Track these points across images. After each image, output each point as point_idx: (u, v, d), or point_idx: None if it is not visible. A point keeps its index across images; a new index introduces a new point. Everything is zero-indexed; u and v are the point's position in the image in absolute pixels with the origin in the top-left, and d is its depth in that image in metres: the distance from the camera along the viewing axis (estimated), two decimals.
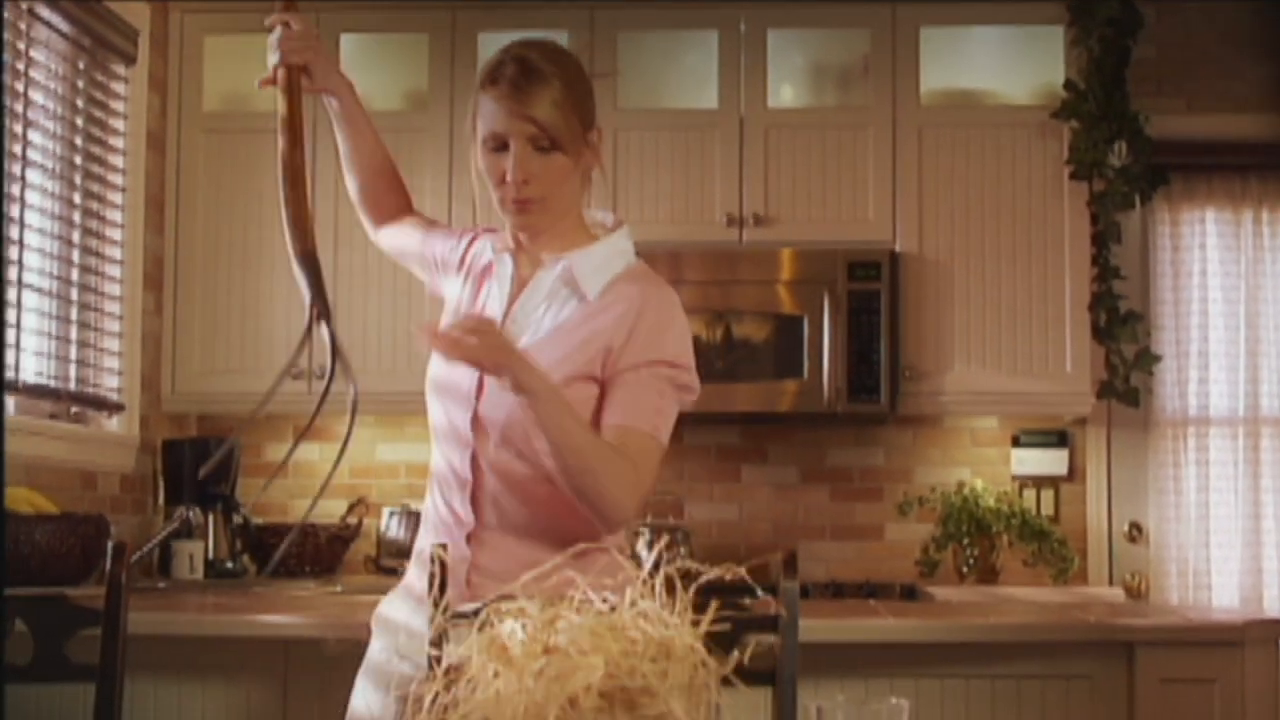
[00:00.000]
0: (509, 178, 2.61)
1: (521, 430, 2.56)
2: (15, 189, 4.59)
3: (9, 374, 4.51)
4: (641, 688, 1.66)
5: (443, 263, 2.92)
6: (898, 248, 5.60)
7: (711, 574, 1.77)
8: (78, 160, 5.07)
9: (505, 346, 2.47)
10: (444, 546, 2.33)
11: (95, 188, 5.19)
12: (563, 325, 2.67)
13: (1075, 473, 5.96)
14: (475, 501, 2.67)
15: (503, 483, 2.64)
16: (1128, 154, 5.62)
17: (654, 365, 2.63)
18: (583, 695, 1.65)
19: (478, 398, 2.65)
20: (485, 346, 2.43)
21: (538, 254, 2.73)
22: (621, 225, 2.80)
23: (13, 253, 4.56)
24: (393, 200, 3.15)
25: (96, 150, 5.19)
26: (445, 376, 2.73)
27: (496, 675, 1.70)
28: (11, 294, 4.55)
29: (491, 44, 5.65)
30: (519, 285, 2.73)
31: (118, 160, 5.35)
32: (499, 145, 2.62)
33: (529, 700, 1.66)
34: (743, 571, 1.87)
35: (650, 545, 5.49)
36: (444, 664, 1.74)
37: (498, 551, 2.64)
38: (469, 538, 2.67)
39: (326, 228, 5.64)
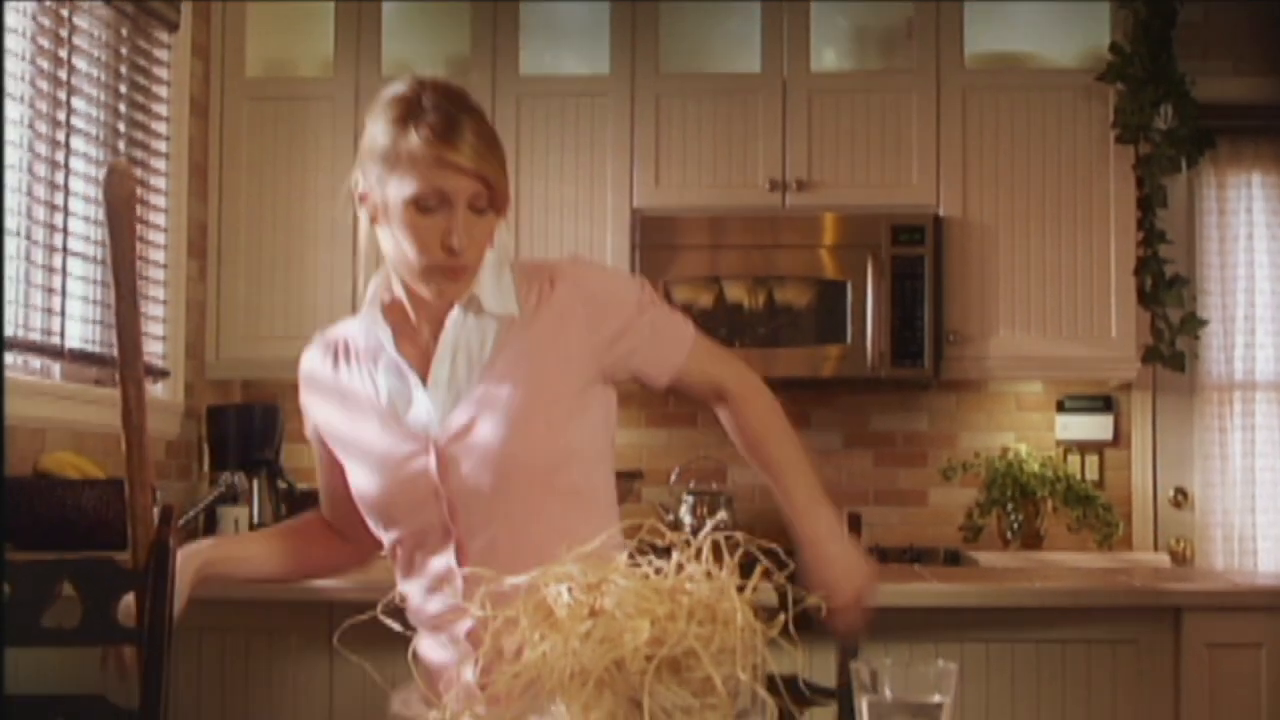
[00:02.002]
0: (453, 243, 2.36)
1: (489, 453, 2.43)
2: (60, 156, 4.61)
3: (54, 340, 4.53)
4: (687, 650, 1.66)
5: (327, 426, 2.64)
6: (941, 212, 5.57)
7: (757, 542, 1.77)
8: (121, 128, 5.08)
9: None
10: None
11: (139, 155, 5.20)
12: (510, 351, 2.48)
13: (1120, 438, 5.94)
14: (461, 549, 2.48)
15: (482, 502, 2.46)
16: (1174, 117, 5.57)
17: (642, 312, 2.55)
18: (629, 658, 1.65)
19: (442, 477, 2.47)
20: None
21: (424, 312, 2.52)
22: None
23: (58, 220, 4.58)
24: (327, 545, 2.84)
25: (140, 117, 5.20)
26: (392, 495, 2.52)
27: (543, 638, 1.70)
28: (57, 260, 4.57)
29: (533, 11, 5.67)
30: (418, 347, 2.52)
31: (161, 127, 5.36)
32: (434, 204, 2.36)
33: (575, 663, 1.66)
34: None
35: (694, 511, 5.50)
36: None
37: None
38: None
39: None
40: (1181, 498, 5.95)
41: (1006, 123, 5.62)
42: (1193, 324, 5.66)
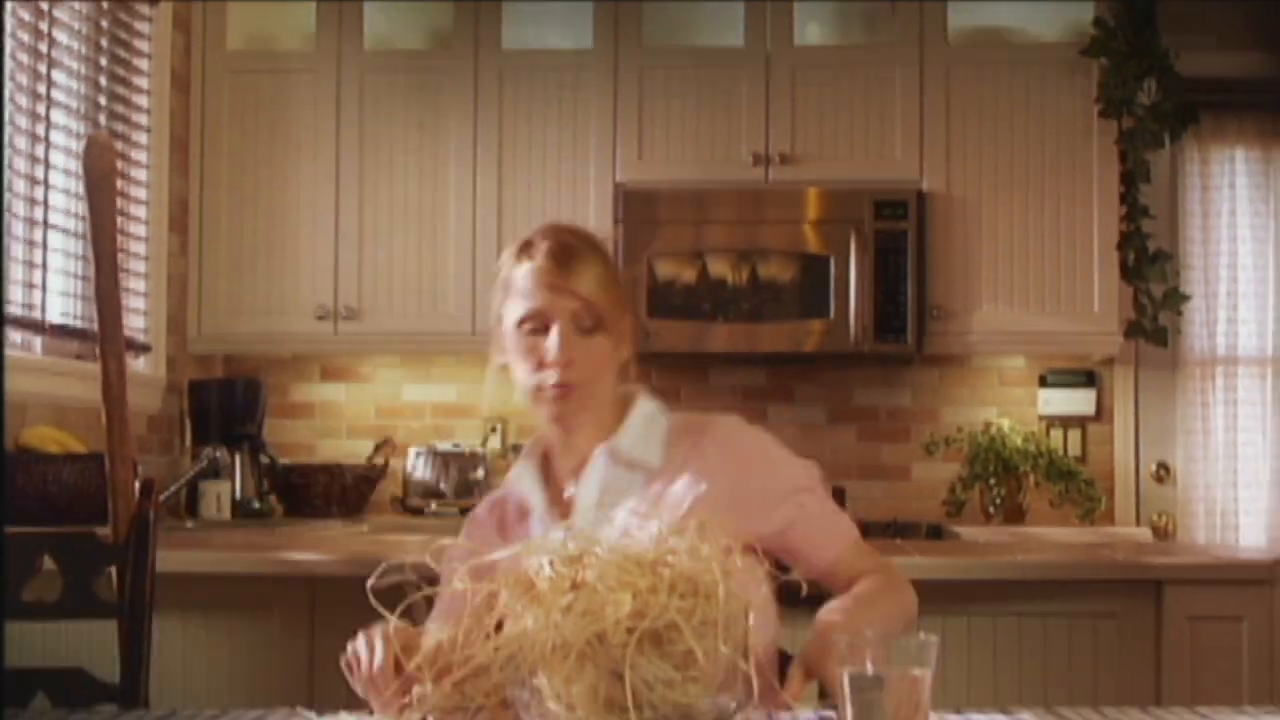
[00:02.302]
0: (550, 358, 2.37)
1: None
2: (40, 129, 4.59)
3: (35, 314, 4.52)
4: (669, 623, 1.66)
5: None
6: (925, 187, 5.57)
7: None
8: (101, 101, 5.05)
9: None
10: None
11: (119, 128, 5.18)
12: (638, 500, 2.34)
13: (1103, 413, 5.95)
14: None
15: None
16: (1157, 92, 5.57)
17: (798, 491, 2.43)
18: (610, 631, 1.65)
19: None
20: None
21: (568, 460, 2.48)
22: (636, 393, 2.53)
23: (38, 193, 4.56)
24: None
25: (120, 91, 5.18)
26: None
27: (524, 611, 1.70)
28: (37, 234, 4.55)
29: None
30: (566, 499, 2.47)
31: (142, 100, 5.33)
32: (538, 326, 2.38)
33: (556, 636, 1.66)
34: None
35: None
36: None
37: None
38: None
39: (350, 169, 5.64)
40: (1164, 472, 5.96)
41: (990, 97, 5.61)
42: (1175, 299, 5.66)
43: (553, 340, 2.36)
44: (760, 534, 2.24)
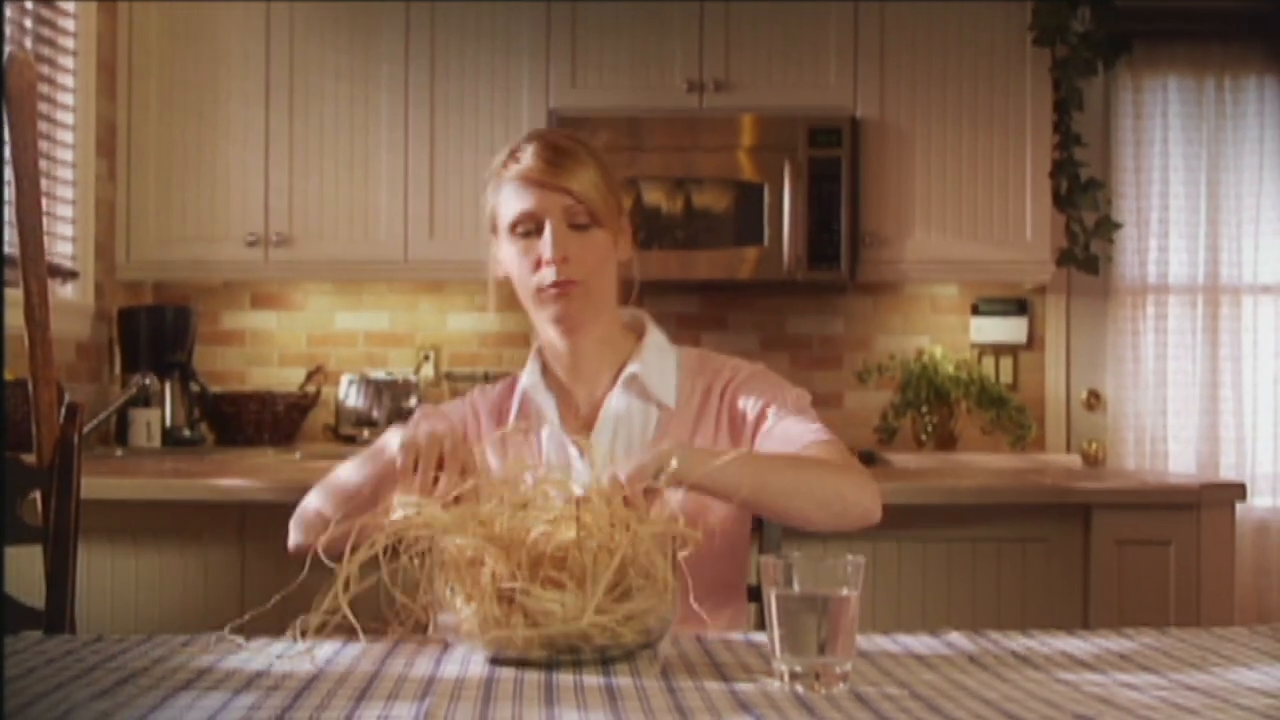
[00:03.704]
0: (545, 256, 2.32)
1: None
2: None
3: None
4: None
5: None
6: (859, 114, 5.56)
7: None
8: (27, 24, 4.98)
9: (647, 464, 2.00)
10: None
11: (45, 51, 5.11)
12: (652, 441, 2.39)
13: (1034, 340, 5.98)
14: None
15: None
16: (1091, 20, 5.58)
17: (774, 400, 2.40)
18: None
19: None
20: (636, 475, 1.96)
21: (579, 374, 2.45)
22: (646, 319, 2.51)
23: None
24: None
25: (46, 13, 5.10)
26: None
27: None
28: None
29: None
30: (579, 419, 2.44)
31: (68, 24, 5.26)
32: (531, 227, 2.34)
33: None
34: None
35: None
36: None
37: None
38: None
39: (281, 94, 5.58)
40: (1094, 400, 6.01)
41: (924, 24, 5.60)
42: (1107, 227, 5.69)
43: (546, 237, 2.33)
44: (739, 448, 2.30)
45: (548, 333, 2.43)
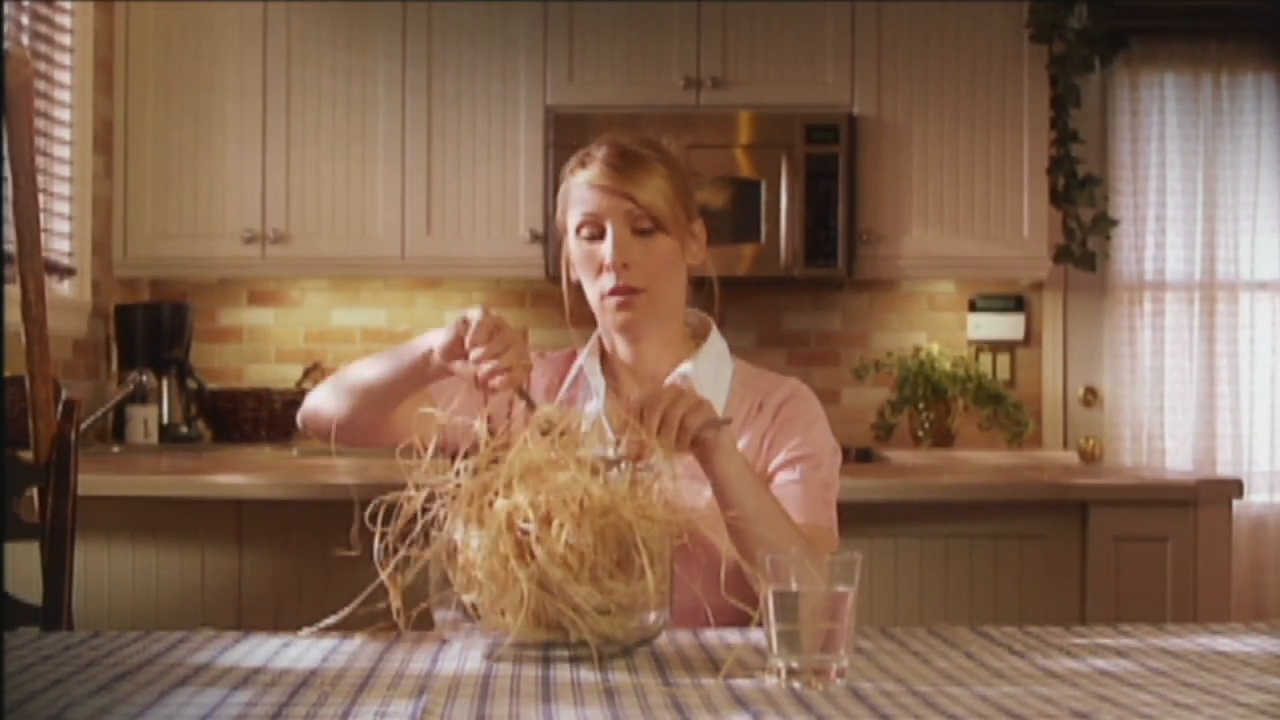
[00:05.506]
0: (607, 261, 2.33)
1: None
2: None
3: None
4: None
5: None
6: (856, 111, 5.56)
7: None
8: (24, 20, 4.97)
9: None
10: None
11: (42, 48, 5.10)
12: None
13: (1031, 337, 5.98)
14: None
15: None
16: (1088, 17, 5.58)
17: (808, 459, 2.36)
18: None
19: None
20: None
21: (637, 373, 2.44)
22: (711, 325, 2.50)
23: None
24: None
25: (43, 10, 5.10)
26: None
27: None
28: None
29: None
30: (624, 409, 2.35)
31: (65, 21, 5.25)
32: (595, 232, 2.35)
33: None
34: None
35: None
36: None
37: None
38: None
39: (278, 91, 5.58)
40: (1091, 396, 6.01)
41: (921, 21, 5.60)
42: (1104, 224, 5.70)
43: (608, 242, 2.33)
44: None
45: (611, 335, 2.44)
